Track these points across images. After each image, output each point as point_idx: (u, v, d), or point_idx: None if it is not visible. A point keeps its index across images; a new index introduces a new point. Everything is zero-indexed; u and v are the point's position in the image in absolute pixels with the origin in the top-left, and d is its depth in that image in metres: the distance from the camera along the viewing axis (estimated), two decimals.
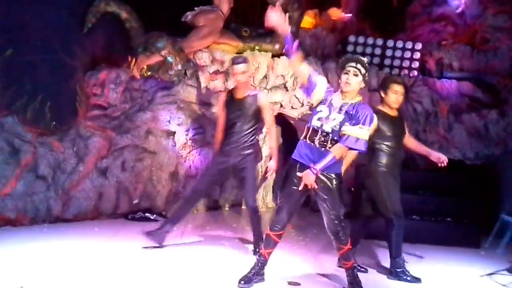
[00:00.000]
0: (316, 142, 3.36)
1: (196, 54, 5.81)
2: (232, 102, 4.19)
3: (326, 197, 3.37)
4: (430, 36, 7.45)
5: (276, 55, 6.28)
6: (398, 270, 3.90)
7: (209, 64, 5.88)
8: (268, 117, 4.24)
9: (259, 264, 3.57)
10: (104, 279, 3.39)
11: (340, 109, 3.37)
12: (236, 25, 6.32)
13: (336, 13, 7.22)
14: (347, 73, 3.40)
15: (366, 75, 3.44)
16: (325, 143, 3.34)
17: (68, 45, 5.04)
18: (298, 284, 3.63)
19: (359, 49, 7.02)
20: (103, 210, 5.17)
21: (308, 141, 3.40)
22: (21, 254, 3.73)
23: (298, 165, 3.41)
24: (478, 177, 5.48)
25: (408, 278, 3.88)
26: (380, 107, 4.06)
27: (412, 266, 4.11)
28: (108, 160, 5.24)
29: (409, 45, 7.10)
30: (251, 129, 4.16)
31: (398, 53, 7.06)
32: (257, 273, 3.56)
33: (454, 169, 6.30)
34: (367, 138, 3.34)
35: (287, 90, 6.23)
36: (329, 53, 7.13)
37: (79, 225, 4.82)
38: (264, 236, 3.63)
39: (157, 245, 4.16)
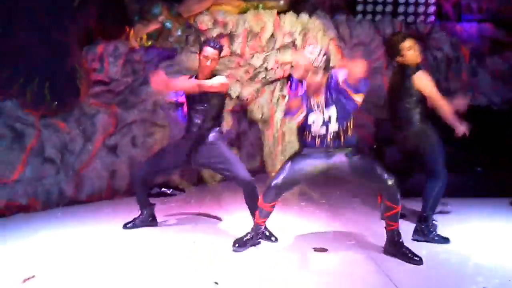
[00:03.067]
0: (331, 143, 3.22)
1: (197, 18, 5.48)
2: None
3: (364, 173, 3.25)
4: None
5: (281, 11, 5.92)
6: (427, 228, 3.64)
7: (211, 27, 5.56)
8: (205, 82, 3.60)
9: (256, 231, 3.49)
10: (122, 262, 3.24)
11: (326, 102, 3.18)
12: None
13: None
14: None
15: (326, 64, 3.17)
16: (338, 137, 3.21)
17: (59, 21, 4.77)
18: (325, 250, 3.43)
19: None
20: (117, 188, 5.02)
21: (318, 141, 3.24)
22: (34, 242, 3.59)
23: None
24: (505, 122, 5.17)
25: (436, 238, 3.60)
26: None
27: (441, 223, 3.85)
28: (117, 137, 5.06)
29: None
30: (215, 116, 3.75)
31: None
32: (252, 238, 3.49)
33: (481, 116, 5.97)
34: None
35: (296, 49, 5.89)
36: (338, 4, 6.70)
37: (93, 206, 4.68)
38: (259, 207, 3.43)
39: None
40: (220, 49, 3.76)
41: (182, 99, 5.39)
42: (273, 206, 3.40)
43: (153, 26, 5.27)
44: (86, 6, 5.07)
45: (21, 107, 4.46)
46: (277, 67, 5.88)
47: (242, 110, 5.96)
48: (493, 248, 3.48)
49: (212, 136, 3.74)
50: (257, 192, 3.68)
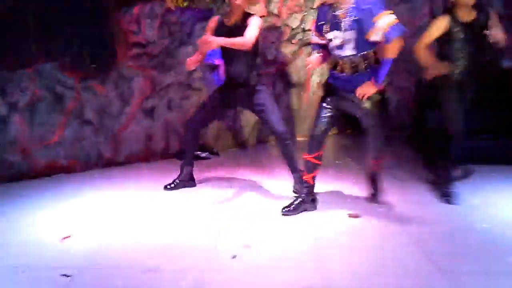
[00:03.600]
0: (348, 71, 3.14)
1: None
2: (221, 29, 3.60)
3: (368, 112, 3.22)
4: None
5: None
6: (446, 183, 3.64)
7: None
8: (250, 33, 3.44)
9: (305, 190, 3.46)
10: (155, 222, 3.32)
11: (345, 22, 3.03)
12: None
13: None
14: None
15: None
16: (357, 67, 3.11)
17: None
18: (359, 216, 3.37)
19: None
20: (154, 151, 5.10)
21: (338, 72, 3.18)
22: (74, 201, 3.73)
23: (334, 88, 3.29)
24: None
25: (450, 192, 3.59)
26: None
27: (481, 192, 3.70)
28: (154, 100, 5.09)
29: None
30: (247, 61, 3.61)
31: None
32: (304, 200, 3.44)
33: None
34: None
35: None
36: None
37: (130, 167, 4.79)
38: (304, 162, 3.45)
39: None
40: None
41: (219, 61, 5.33)
42: (318, 158, 3.38)
43: None
44: None
45: (61, 69, 4.54)
46: None
47: (278, 73, 5.83)
48: None
49: (252, 79, 3.67)
50: (291, 148, 3.69)
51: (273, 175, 4.38)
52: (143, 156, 5.00)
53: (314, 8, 5.61)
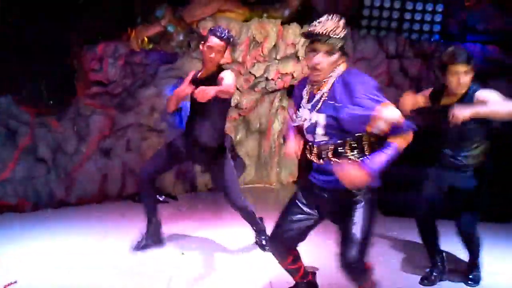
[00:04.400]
0: (325, 157, 2.34)
1: (200, 23, 5.43)
2: (194, 83, 3.24)
3: (349, 216, 2.36)
4: None
5: (285, 22, 5.87)
6: None
7: None
8: (230, 84, 3.18)
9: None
10: (110, 266, 3.17)
11: (318, 103, 2.32)
12: None
13: None
14: (313, 51, 2.32)
15: (341, 43, 2.36)
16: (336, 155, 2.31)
17: (63, 17, 4.71)
18: (316, 269, 3.35)
19: (375, 12, 6.55)
20: (109, 192, 4.93)
21: (315, 159, 2.39)
22: (20, 244, 3.51)
23: (311, 185, 2.47)
24: (507, 146, 5.12)
25: None
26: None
27: None
28: (111, 140, 4.98)
29: (429, 7, 6.60)
30: (215, 119, 3.32)
31: (417, 16, 6.58)
32: None
33: None
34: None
35: (298, 60, 5.84)
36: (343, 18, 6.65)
37: (83, 208, 4.59)
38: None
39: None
40: (228, 40, 3.29)
41: (181, 104, 5.32)
42: (295, 260, 2.72)
43: (155, 29, 5.23)
44: (92, 4, 5.01)
45: (17, 104, 4.40)
46: (278, 78, 5.83)
47: (240, 119, 5.89)
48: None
49: (217, 147, 3.43)
50: (252, 213, 3.59)
51: (231, 221, 4.32)
52: (97, 197, 4.82)
53: (278, 59, 5.78)
